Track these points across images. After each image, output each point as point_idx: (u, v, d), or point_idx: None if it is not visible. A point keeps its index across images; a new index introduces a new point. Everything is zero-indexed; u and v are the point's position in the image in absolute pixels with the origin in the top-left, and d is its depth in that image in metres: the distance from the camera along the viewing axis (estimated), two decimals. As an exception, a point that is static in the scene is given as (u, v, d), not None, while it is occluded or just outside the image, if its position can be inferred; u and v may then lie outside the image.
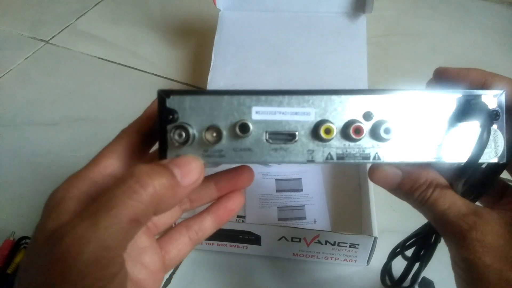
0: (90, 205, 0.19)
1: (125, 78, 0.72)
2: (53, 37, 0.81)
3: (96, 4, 0.89)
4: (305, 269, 0.46)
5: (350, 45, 0.62)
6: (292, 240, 0.45)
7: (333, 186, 0.54)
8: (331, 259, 0.46)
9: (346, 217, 0.51)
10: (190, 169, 0.21)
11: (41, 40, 0.80)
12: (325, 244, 0.44)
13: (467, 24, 0.83)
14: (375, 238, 0.42)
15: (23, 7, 0.89)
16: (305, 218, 0.50)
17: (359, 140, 0.23)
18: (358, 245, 0.43)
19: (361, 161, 0.23)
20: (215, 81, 0.60)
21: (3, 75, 0.73)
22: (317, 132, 0.23)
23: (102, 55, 0.76)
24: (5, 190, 0.55)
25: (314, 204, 0.52)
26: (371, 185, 0.48)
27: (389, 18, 0.84)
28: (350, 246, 0.44)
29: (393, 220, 0.50)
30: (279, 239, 0.45)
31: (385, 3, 0.85)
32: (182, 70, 0.74)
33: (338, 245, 0.44)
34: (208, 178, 0.28)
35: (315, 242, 0.44)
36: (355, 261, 0.46)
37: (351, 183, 0.54)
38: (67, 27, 0.83)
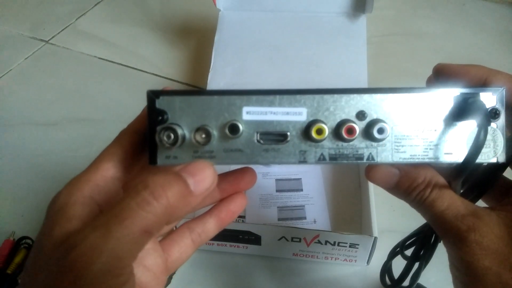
0: (101, 215, 0.19)
1: (125, 78, 0.72)
2: (53, 37, 0.81)
3: (96, 4, 0.89)
4: (305, 269, 0.46)
5: (350, 45, 0.62)
6: (292, 240, 0.45)
7: (333, 186, 0.54)
8: (331, 259, 0.46)
9: (346, 217, 0.51)
10: (203, 177, 0.21)
11: (41, 40, 0.80)
12: (325, 244, 0.44)
13: (467, 24, 0.83)
14: (375, 238, 0.42)
15: (23, 7, 0.89)
16: (305, 218, 0.50)
17: (351, 140, 0.23)
18: (358, 245, 0.43)
19: (355, 161, 0.23)
20: (215, 81, 0.60)
21: (3, 75, 0.73)
22: (308, 132, 0.22)
23: (102, 55, 0.76)
24: (5, 190, 0.55)
25: (314, 204, 0.52)
26: (371, 185, 0.48)
27: (389, 18, 0.84)
28: (350, 246, 0.44)
29: (393, 220, 0.50)
30: (279, 239, 0.45)
31: (385, 3, 0.85)
32: (182, 70, 0.74)
33: (338, 245, 0.44)
34: None
35: (315, 242, 0.44)
36: (355, 261, 0.46)
37: (351, 183, 0.54)
38: (67, 27, 0.83)
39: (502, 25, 0.82)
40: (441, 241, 0.26)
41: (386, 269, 0.37)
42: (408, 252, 0.33)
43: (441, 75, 0.26)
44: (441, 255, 0.26)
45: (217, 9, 0.66)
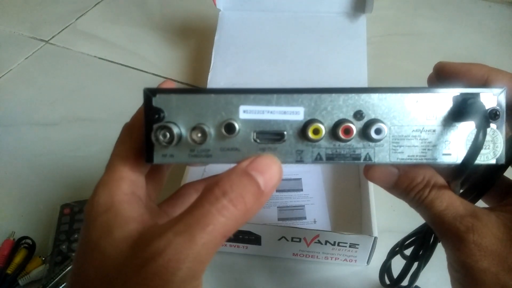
0: (180, 219, 0.19)
1: (125, 78, 0.72)
2: (53, 37, 0.81)
3: (96, 4, 0.89)
4: (305, 269, 0.46)
5: (350, 45, 0.62)
6: (292, 240, 0.45)
7: (333, 186, 0.54)
8: (331, 259, 0.46)
9: (346, 217, 0.51)
10: (272, 175, 0.21)
11: (41, 40, 0.80)
12: (325, 244, 0.44)
13: (467, 24, 0.83)
14: (375, 238, 0.42)
15: (23, 7, 0.89)
16: (305, 218, 0.50)
17: (348, 140, 0.23)
18: (358, 245, 0.43)
19: (352, 161, 0.23)
20: (215, 81, 0.60)
21: (3, 75, 0.73)
22: (305, 132, 0.22)
23: (102, 55, 0.76)
24: (5, 190, 0.55)
25: (314, 204, 0.52)
26: (371, 185, 0.48)
27: (389, 18, 0.84)
28: (350, 246, 0.44)
29: (393, 220, 0.49)
30: (279, 239, 0.45)
31: (385, 3, 0.85)
32: (182, 70, 0.74)
33: (338, 245, 0.44)
34: None
35: (315, 242, 0.44)
36: (355, 261, 0.46)
37: (351, 183, 0.54)
38: (67, 27, 0.83)
39: (502, 25, 0.82)
40: (440, 242, 0.26)
41: (386, 268, 0.37)
42: (408, 252, 0.33)
43: (442, 73, 0.26)
44: (440, 255, 0.26)
45: (217, 9, 0.66)
